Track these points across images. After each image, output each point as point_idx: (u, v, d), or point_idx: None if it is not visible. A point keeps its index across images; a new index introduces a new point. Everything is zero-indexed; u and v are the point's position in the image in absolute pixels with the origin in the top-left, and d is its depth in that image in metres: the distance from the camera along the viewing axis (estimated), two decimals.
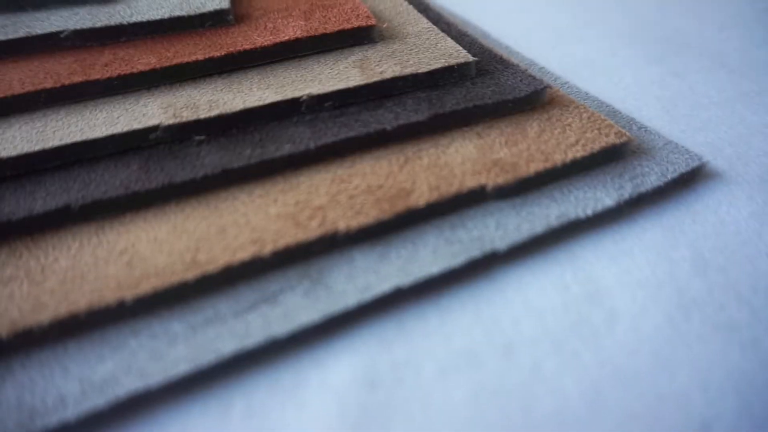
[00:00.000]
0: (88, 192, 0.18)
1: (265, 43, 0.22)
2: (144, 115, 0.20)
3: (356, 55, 0.23)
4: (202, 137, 0.20)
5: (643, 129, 0.22)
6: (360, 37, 0.23)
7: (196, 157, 0.19)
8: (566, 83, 0.24)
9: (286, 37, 0.22)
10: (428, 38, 0.23)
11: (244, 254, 0.17)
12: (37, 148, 0.19)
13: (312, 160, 0.20)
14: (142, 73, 0.21)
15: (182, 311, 0.16)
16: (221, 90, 0.21)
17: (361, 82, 0.21)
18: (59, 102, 0.21)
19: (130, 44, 0.23)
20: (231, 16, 0.24)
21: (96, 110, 0.20)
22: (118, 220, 0.18)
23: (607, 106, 0.23)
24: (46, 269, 0.16)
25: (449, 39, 0.23)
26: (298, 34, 0.22)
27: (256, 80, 0.22)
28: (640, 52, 0.28)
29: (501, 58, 0.23)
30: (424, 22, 0.25)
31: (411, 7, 0.26)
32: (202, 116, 0.20)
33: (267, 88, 0.21)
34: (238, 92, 0.21)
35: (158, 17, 0.23)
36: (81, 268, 0.16)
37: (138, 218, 0.18)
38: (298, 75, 0.22)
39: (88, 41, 0.23)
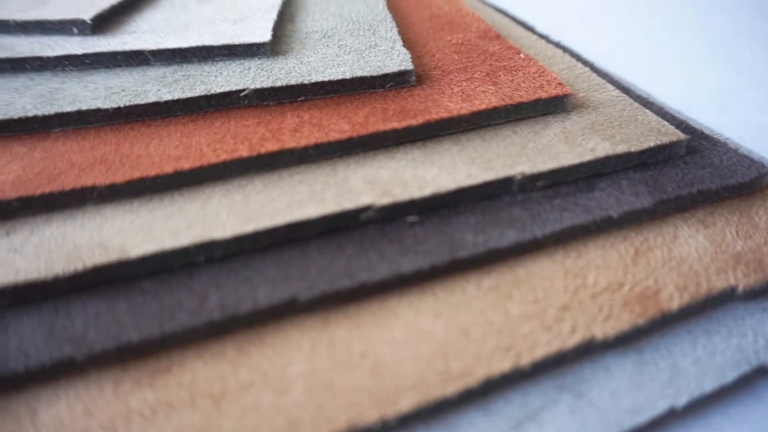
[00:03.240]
0: (311, 281, 0.17)
1: (462, 112, 0.21)
2: (350, 191, 0.19)
3: (554, 126, 0.21)
4: (415, 218, 0.18)
5: None
6: (554, 106, 0.22)
7: (415, 242, 0.18)
8: (762, 158, 0.23)
9: (483, 106, 0.21)
10: (623, 108, 0.22)
11: (502, 365, 0.15)
12: (249, 228, 0.17)
13: (535, 248, 0.18)
14: (337, 142, 0.20)
15: (437, 427, 0.15)
16: (422, 163, 0.20)
17: (575, 161, 0.19)
18: (252, 171, 0.19)
19: (309, 105, 0.22)
20: (413, 78, 0.22)
21: (293, 182, 0.19)
22: (341, 312, 0.17)
23: None
24: (285, 375, 0.15)
25: (648, 111, 0.22)
26: (494, 102, 0.21)
27: (455, 152, 0.20)
28: None
29: (703, 133, 0.22)
30: (611, 89, 0.23)
31: (588, 69, 0.25)
32: (416, 196, 0.18)
33: (472, 164, 0.20)
34: (442, 167, 0.19)
35: (339, 77, 0.22)
36: (323, 375, 0.15)
37: (362, 311, 0.17)
38: (500, 148, 0.20)
39: (266, 100, 0.22)
